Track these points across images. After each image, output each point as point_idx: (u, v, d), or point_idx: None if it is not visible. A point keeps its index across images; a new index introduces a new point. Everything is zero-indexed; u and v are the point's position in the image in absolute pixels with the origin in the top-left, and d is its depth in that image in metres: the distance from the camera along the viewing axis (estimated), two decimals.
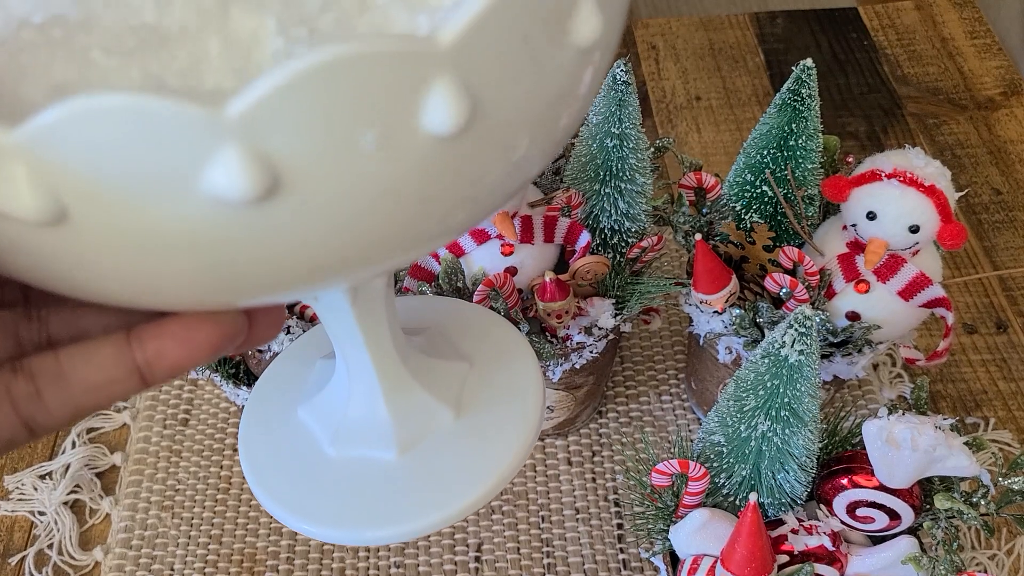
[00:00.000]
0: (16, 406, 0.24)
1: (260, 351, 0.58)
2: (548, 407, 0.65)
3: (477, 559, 0.65)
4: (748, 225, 0.59)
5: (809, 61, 0.55)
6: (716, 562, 0.48)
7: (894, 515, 0.49)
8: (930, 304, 0.55)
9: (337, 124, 0.19)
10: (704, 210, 0.61)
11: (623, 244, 0.60)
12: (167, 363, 0.24)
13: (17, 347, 0.26)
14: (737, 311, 0.57)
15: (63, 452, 0.70)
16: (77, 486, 0.68)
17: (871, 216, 0.52)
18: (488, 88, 0.20)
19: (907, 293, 0.55)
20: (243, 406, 0.63)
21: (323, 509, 0.35)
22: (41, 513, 0.67)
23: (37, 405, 0.24)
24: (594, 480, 0.68)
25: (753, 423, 0.49)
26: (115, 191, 0.19)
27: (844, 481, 0.49)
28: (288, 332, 0.57)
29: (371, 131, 0.19)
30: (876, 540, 0.51)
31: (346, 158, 0.19)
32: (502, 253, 0.57)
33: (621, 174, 0.57)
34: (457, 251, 0.57)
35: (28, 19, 0.23)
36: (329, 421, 0.36)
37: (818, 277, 0.55)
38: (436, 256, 0.57)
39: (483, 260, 0.57)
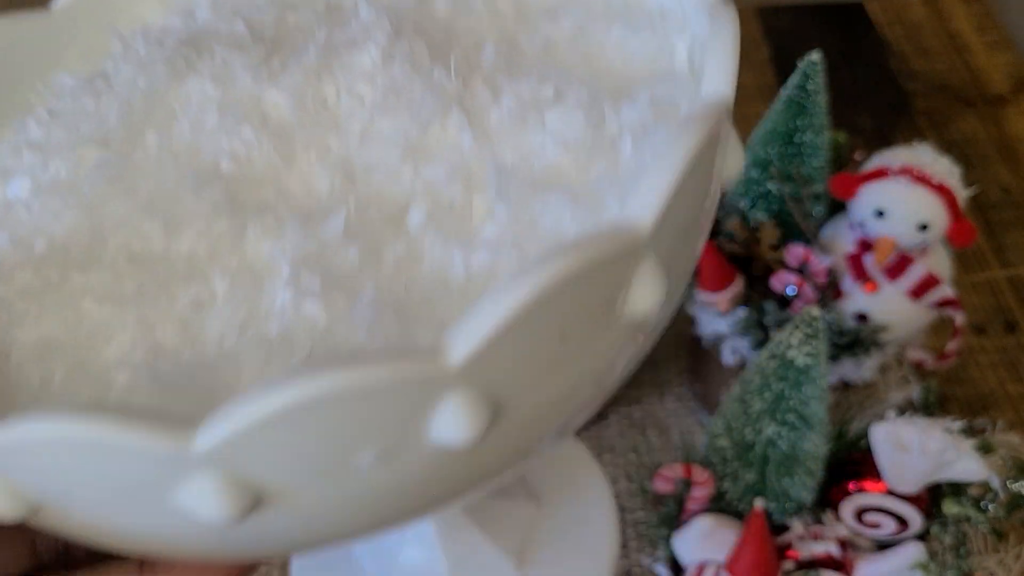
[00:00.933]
0: None
1: None
2: None
3: None
4: (754, 223, 0.58)
5: (815, 55, 0.54)
6: (720, 569, 0.47)
7: (902, 521, 0.48)
8: (940, 304, 0.55)
9: (326, 449, 0.17)
10: None
11: None
12: None
13: (34, 558, 0.26)
14: (742, 311, 0.56)
15: None
16: None
17: (880, 214, 0.52)
18: (512, 392, 0.18)
19: (916, 293, 0.54)
20: None
21: None
22: None
23: None
24: None
25: (759, 427, 0.48)
26: (85, 501, 0.18)
27: (852, 486, 0.49)
28: None
29: (368, 450, 0.17)
30: (883, 546, 0.51)
31: (339, 476, 0.18)
32: None
33: None
34: None
35: (31, 243, 0.22)
36: (383, 563, 0.35)
37: (825, 276, 0.55)
38: None
39: None
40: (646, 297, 0.18)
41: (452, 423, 0.17)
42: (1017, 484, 0.48)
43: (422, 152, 0.23)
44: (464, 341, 0.16)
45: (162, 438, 0.16)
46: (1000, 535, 0.49)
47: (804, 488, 0.49)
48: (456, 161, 0.22)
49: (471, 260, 0.20)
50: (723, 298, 0.56)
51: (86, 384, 0.20)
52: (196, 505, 0.17)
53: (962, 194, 0.52)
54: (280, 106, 0.24)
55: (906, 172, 0.51)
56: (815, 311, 0.45)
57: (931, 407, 0.52)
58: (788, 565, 0.48)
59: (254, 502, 0.17)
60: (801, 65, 0.54)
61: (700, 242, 0.22)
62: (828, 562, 0.49)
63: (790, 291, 0.55)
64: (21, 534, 0.25)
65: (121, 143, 0.24)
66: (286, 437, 0.16)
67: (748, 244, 0.58)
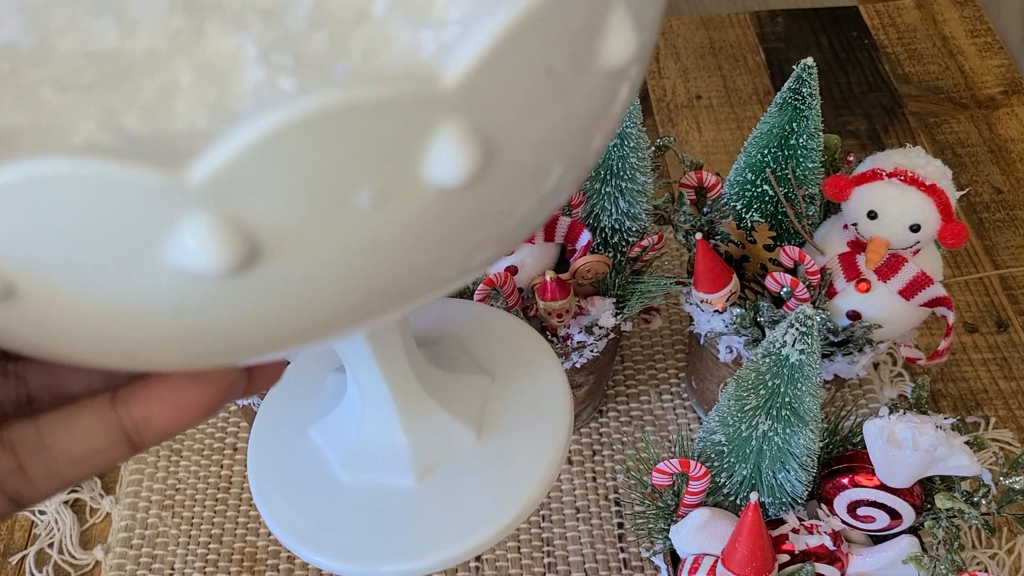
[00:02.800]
0: None
1: None
2: None
3: (477, 558, 0.65)
4: (749, 224, 0.59)
5: (810, 60, 0.55)
6: (717, 561, 0.48)
7: (895, 514, 0.49)
8: (931, 303, 0.55)
9: (324, 183, 0.16)
10: (705, 209, 0.61)
11: (624, 243, 0.60)
12: (156, 429, 0.22)
13: None
14: (738, 310, 0.57)
15: None
16: (77, 485, 0.68)
17: (872, 215, 0.52)
18: (504, 128, 0.17)
19: (908, 292, 0.54)
20: (243, 406, 0.63)
21: (338, 541, 0.33)
22: (41, 512, 0.67)
23: (21, 479, 0.22)
24: (594, 479, 0.68)
25: (754, 422, 0.48)
26: (66, 266, 0.17)
27: (845, 480, 0.49)
28: None
29: (365, 188, 0.16)
30: (877, 539, 0.51)
31: (336, 219, 0.17)
32: None
33: (622, 173, 0.57)
34: None
35: None
36: (342, 443, 0.34)
37: (819, 276, 0.55)
38: None
39: None
40: (621, 43, 0.19)
41: (448, 157, 0.16)
42: (1009, 480, 0.49)
43: None
44: (458, 62, 0.16)
45: (156, 170, 0.15)
46: (992, 529, 0.49)
47: (798, 482, 0.50)
48: None
49: (442, 36, 0.18)
50: (719, 297, 0.57)
51: None
52: (191, 251, 0.16)
53: (954, 195, 0.52)
54: None
55: (898, 174, 0.52)
56: (809, 310, 0.45)
57: (923, 404, 0.52)
58: (783, 557, 0.49)
59: (251, 251, 0.16)
60: (796, 69, 0.55)
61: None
62: (822, 555, 0.49)
63: (784, 291, 0.56)
64: None
65: None
66: (282, 167, 0.15)
67: (743, 244, 0.59)
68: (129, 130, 0.18)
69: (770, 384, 0.47)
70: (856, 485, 0.49)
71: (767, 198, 0.59)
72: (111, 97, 0.19)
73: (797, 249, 0.55)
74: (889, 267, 0.54)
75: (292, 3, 0.20)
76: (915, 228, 0.52)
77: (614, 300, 0.58)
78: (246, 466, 0.68)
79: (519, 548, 0.65)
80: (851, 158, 0.58)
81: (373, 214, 0.17)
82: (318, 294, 0.18)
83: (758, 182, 0.58)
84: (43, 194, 0.15)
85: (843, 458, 0.51)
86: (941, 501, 0.48)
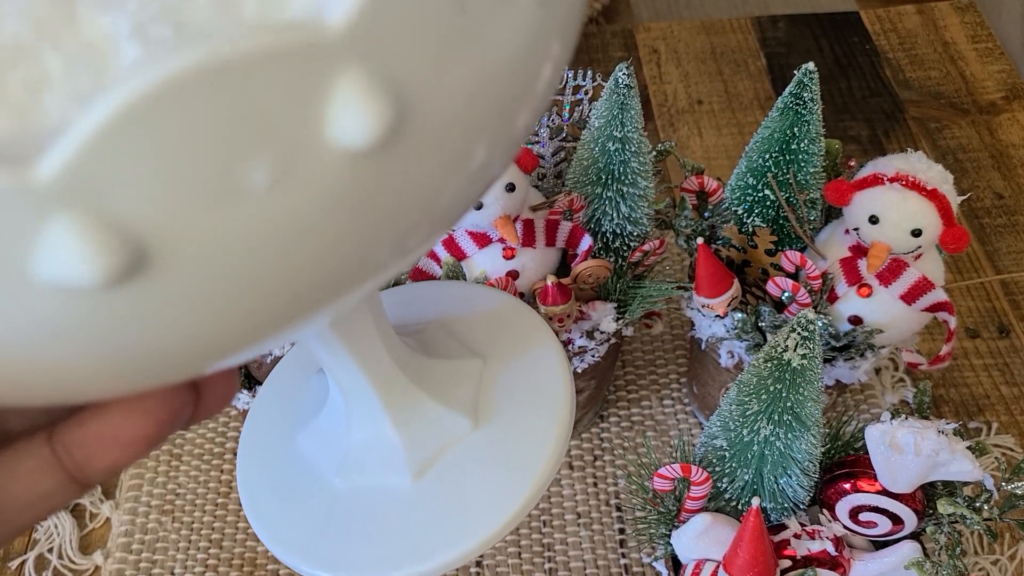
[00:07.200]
0: None
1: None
2: None
3: (478, 563, 0.64)
4: (750, 229, 0.59)
5: (811, 65, 0.55)
6: (718, 567, 0.48)
7: (897, 520, 0.49)
8: (932, 308, 0.55)
9: (205, 160, 0.14)
10: (706, 214, 0.61)
11: (625, 248, 0.60)
12: (99, 469, 0.21)
13: None
14: (739, 315, 0.57)
15: None
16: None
17: (873, 220, 0.52)
18: (416, 76, 0.15)
19: (909, 297, 0.54)
20: (243, 411, 0.63)
21: (338, 553, 0.31)
22: None
23: None
24: (595, 484, 0.68)
25: (756, 427, 0.48)
26: None
27: (847, 486, 0.49)
28: None
29: (259, 161, 0.14)
30: (879, 545, 0.51)
31: (231, 204, 0.14)
32: (504, 257, 0.56)
33: (623, 178, 0.57)
34: (459, 254, 0.57)
35: None
36: (331, 448, 0.32)
37: (820, 281, 0.55)
38: (437, 259, 0.57)
39: (485, 263, 0.57)
40: None
41: (352, 114, 0.14)
42: (1011, 485, 0.48)
43: None
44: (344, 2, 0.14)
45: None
46: (994, 535, 0.49)
47: (800, 487, 0.50)
48: None
49: None
50: (720, 302, 0.57)
51: None
52: (63, 261, 0.13)
53: (955, 200, 0.52)
54: None
55: (899, 179, 0.52)
56: (810, 315, 0.45)
57: (925, 409, 0.52)
58: (784, 563, 0.49)
59: (135, 253, 0.14)
60: (797, 74, 0.55)
61: None
62: (824, 560, 0.49)
63: (786, 295, 0.56)
64: None
65: None
66: (150, 146, 0.13)
67: (745, 249, 0.59)
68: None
69: (772, 389, 0.47)
70: (858, 490, 0.49)
71: (768, 203, 0.59)
72: None
73: (798, 254, 0.55)
74: (890, 272, 0.54)
75: None
76: (916, 233, 0.52)
77: (615, 305, 0.58)
78: None
79: (520, 554, 0.65)
80: (852, 163, 0.58)
81: (275, 194, 0.15)
82: (232, 297, 0.16)
83: (759, 187, 0.58)
84: None
85: (845, 463, 0.50)
86: (943, 506, 0.48)
